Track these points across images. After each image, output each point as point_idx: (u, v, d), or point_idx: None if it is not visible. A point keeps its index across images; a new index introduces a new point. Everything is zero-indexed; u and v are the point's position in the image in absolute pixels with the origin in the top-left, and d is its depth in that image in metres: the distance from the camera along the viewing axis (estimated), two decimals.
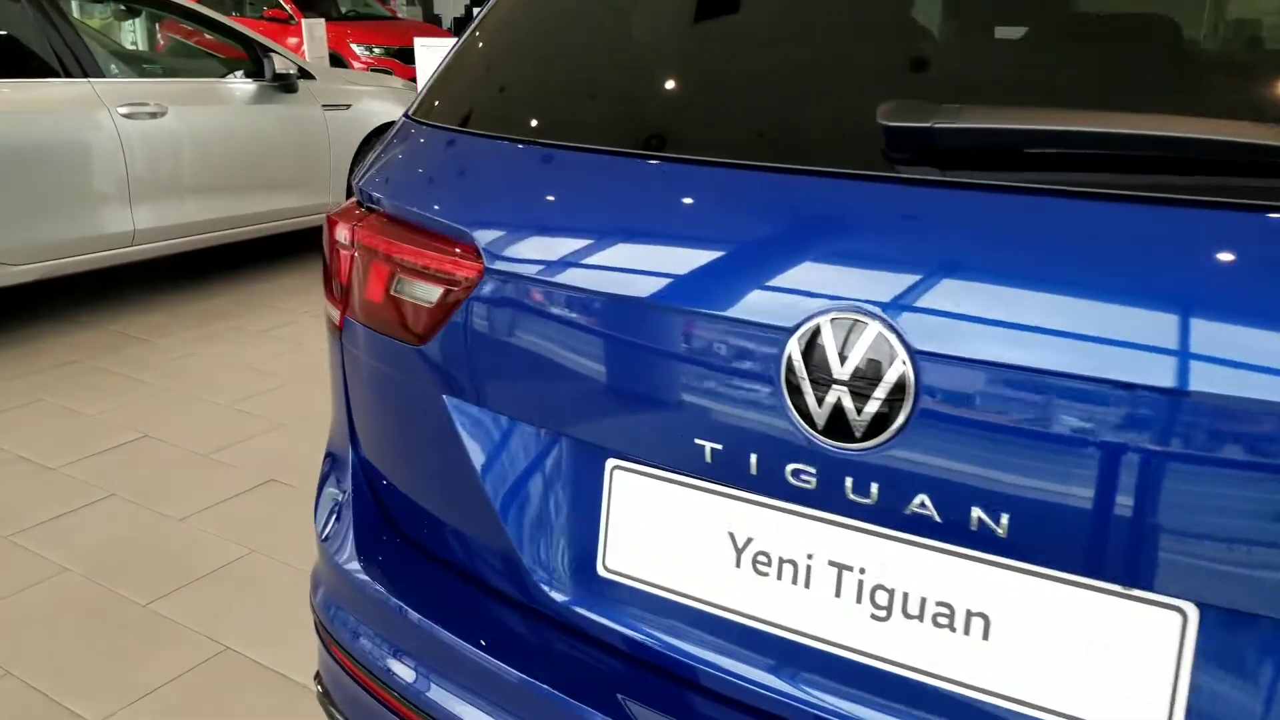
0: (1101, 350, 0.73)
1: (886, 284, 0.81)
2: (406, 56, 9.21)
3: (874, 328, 0.80)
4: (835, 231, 0.87)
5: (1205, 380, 0.70)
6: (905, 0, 1.18)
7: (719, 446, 0.91)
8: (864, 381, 0.80)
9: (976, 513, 0.80)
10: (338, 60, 9.75)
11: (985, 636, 0.84)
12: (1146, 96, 0.87)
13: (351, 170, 5.30)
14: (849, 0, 1.08)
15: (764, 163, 0.93)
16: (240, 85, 4.88)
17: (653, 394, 0.94)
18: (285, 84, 4.97)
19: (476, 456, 1.10)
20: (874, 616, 0.88)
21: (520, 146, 1.10)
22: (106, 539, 2.63)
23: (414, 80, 7.08)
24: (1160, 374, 0.71)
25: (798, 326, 0.83)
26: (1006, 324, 0.76)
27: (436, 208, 1.12)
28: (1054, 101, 0.89)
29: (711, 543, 0.96)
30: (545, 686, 1.03)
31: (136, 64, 5.09)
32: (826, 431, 0.83)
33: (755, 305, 0.86)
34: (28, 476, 2.98)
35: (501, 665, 1.07)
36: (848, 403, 0.81)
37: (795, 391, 0.83)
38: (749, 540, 0.94)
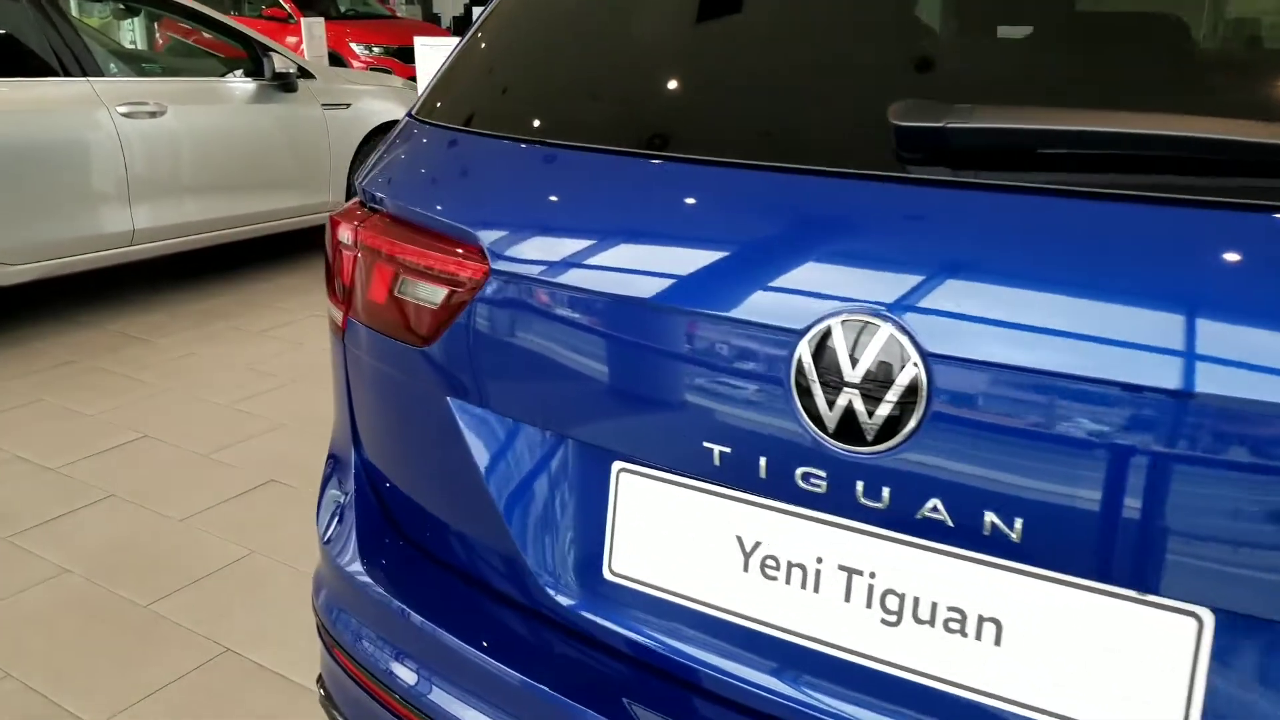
0: (1118, 353, 0.72)
1: (897, 286, 0.80)
2: (406, 55, 9.22)
3: (886, 330, 0.79)
4: (844, 232, 0.86)
5: (1221, 383, 0.69)
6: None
7: (728, 449, 0.90)
8: (875, 384, 0.79)
9: (989, 517, 0.79)
10: (337, 59, 9.75)
11: (997, 642, 0.83)
12: (1153, 96, 0.86)
13: (351, 170, 5.29)
14: None
15: (770, 162, 0.92)
16: (240, 84, 4.87)
17: (661, 396, 0.93)
18: (285, 83, 4.96)
19: (481, 459, 1.09)
20: (884, 621, 0.87)
21: (525, 146, 1.09)
22: (106, 539, 2.62)
23: (413, 79, 7.07)
24: (1176, 377, 0.70)
25: (808, 328, 0.82)
26: (1020, 326, 0.75)
27: (440, 208, 1.11)
28: (1058, 101, 0.88)
29: (719, 546, 0.95)
30: (549, 691, 1.03)
31: (136, 63, 5.08)
32: (837, 435, 0.82)
33: (765, 307, 0.85)
34: (27, 477, 2.97)
35: (505, 669, 1.06)
36: (859, 405, 0.80)
37: (805, 394, 0.83)
38: (757, 544, 0.93)
